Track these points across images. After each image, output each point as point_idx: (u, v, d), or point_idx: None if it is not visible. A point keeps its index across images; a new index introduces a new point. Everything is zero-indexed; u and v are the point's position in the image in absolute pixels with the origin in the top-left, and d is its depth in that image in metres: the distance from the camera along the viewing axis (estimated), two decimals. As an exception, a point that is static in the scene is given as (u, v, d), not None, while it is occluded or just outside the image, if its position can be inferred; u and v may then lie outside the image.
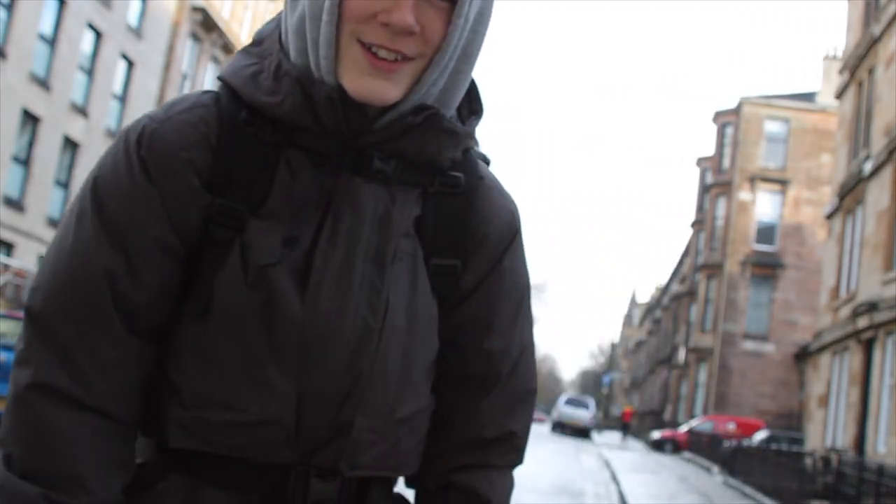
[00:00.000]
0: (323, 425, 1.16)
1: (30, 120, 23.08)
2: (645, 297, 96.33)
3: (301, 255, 1.16)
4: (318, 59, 1.15)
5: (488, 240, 1.28)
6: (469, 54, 1.20)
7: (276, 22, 1.24)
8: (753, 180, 41.09)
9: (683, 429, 37.83)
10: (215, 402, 1.14)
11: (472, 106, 1.29)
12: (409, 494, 1.34)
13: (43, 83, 23.19)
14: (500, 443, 1.30)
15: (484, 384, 1.29)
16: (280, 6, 1.30)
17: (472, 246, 1.27)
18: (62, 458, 1.10)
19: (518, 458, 1.34)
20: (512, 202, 1.34)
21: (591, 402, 46.55)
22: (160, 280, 1.15)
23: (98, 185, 1.16)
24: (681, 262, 59.49)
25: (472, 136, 1.26)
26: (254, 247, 1.14)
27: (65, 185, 25.15)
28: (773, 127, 41.44)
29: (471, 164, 1.29)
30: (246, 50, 1.24)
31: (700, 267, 45.53)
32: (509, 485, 1.33)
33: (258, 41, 1.24)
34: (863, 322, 19.15)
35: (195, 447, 1.16)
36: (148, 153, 1.15)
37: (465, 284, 1.27)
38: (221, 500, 1.16)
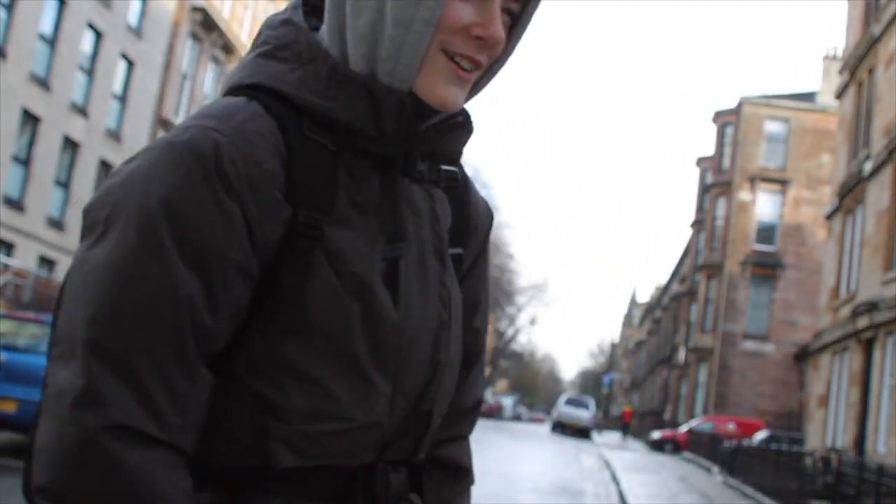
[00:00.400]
0: (402, 419, 1.19)
1: (30, 120, 23.10)
2: (645, 297, 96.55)
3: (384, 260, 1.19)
4: (395, 66, 1.15)
5: (479, 228, 1.37)
6: None
7: (292, 27, 1.21)
8: (753, 180, 41.11)
9: (683, 429, 37.85)
10: (325, 414, 1.13)
11: None
12: None
13: (43, 83, 23.22)
14: (471, 412, 1.41)
15: (469, 360, 1.37)
16: (280, 6, 1.26)
17: (470, 235, 1.35)
18: (149, 499, 1.02)
19: (473, 427, 1.45)
20: None
21: (591, 402, 46.61)
22: (235, 304, 1.10)
23: (171, 204, 1.06)
24: (681, 262, 59.55)
25: None
26: (346, 255, 1.14)
27: (65, 185, 25.18)
28: (773, 127, 41.47)
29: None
30: (271, 55, 1.19)
31: (700, 267, 45.56)
32: None
33: (282, 46, 1.19)
34: (863, 322, 19.16)
35: (297, 464, 1.13)
36: (231, 167, 1.08)
37: (462, 270, 1.34)
38: None
